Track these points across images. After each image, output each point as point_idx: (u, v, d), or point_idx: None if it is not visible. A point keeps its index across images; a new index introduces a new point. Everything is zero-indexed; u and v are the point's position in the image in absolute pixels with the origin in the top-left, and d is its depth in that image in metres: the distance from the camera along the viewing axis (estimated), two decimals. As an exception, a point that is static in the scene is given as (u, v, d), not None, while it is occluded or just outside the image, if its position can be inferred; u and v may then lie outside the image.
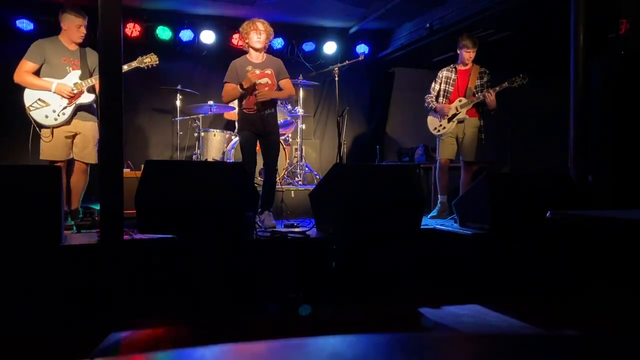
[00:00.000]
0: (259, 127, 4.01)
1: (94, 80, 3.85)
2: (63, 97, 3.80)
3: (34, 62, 3.83)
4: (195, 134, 5.67)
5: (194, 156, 5.66)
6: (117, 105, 2.92)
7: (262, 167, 4.37)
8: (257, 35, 3.96)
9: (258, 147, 4.18)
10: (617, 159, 4.13)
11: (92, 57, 3.99)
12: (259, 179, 4.82)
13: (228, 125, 6.32)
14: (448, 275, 3.48)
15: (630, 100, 4.13)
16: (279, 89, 4.14)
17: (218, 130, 5.64)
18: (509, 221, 3.40)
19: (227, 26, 6.53)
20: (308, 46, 6.92)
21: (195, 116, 5.70)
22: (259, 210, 3.96)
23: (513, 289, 3.29)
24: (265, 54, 4.12)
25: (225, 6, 6.12)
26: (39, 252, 2.73)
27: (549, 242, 3.43)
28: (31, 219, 2.76)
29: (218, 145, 5.55)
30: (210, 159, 5.44)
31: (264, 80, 4.02)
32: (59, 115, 3.80)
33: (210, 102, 5.52)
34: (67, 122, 3.85)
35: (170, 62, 6.34)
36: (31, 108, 3.77)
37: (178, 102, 5.69)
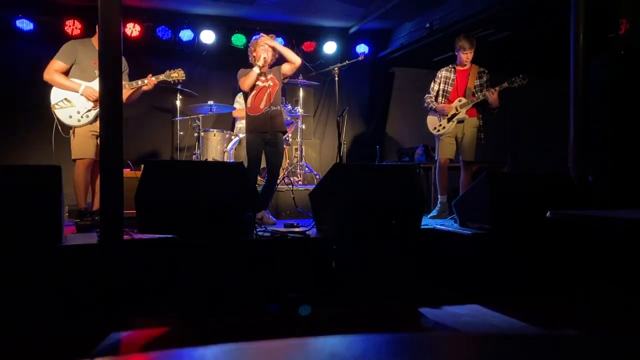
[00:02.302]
0: (267, 127, 4.23)
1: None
2: (89, 100, 3.88)
3: (64, 62, 3.92)
4: (195, 134, 5.66)
5: (194, 156, 5.66)
6: (117, 106, 2.92)
7: (262, 167, 4.48)
8: (264, 48, 4.24)
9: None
10: (617, 159, 4.13)
11: (123, 61, 4.05)
12: (259, 179, 4.84)
13: (234, 125, 6.30)
14: (448, 275, 3.48)
15: (630, 100, 4.13)
16: (283, 77, 4.43)
17: (218, 130, 5.64)
18: (509, 221, 3.40)
19: (227, 26, 6.54)
20: (308, 46, 6.92)
21: (195, 116, 5.70)
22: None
23: (513, 289, 3.29)
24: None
25: (225, 6, 6.12)
26: (39, 252, 2.73)
27: (549, 242, 3.43)
28: (31, 219, 2.76)
29: (218, 145, 5.56)
30: (210, 159, 5.44)
31: (267, 84, 4.29)
32: (82, 117, 3.89)
33: (210, 102, 5.52)
34: (90, 123, 3.92)
35: (170, 62, 6.33)
36: (56, 107, 3.86)
37: (178, 102, 5.69)
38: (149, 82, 4.13)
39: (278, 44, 4.34)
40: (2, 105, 5.74)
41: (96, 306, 2.73)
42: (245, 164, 4.06)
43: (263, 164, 4.48)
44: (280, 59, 4.42)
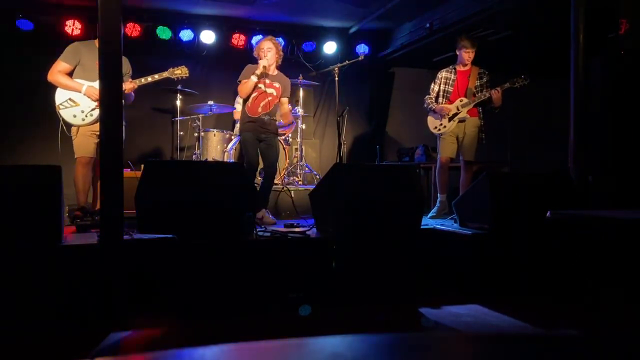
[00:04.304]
0: (260, 130, 4.31)
1: (123, 86, 4.04)
2: (92, 99, 3.94)
3: (68, 63, 3.97)
4: (195, 134, 5.66)
5: (194, 156, 5.66)
6: (117, 106, 2.92)
7: (262, 167, 4.50)
8: (263, 53, 4.31)
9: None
10: (617, 159, 4.13)
11: (125, 65, 4.13)
12: (258, 179, 4.85)
13: (234, 125, 6.30)
14: (448, 275, 3.48)
15: (630, 100, 4.13)
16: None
17: (218, 130, 5.64)
18: (509, 221, 3.40)
19: (227, 26, 6.53)
20: (308, 46, 6.91)
21: (195, 116, 5.70)
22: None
23: (513, 289, 3.29)
24: (277, 70, 4.47)
25: (225, 6, 6.12)
26: (39, 252, 2.73)
27: (549, 242, 3.43)
28: (31, 219, 2.76)
29: (218, 145, 5.56)
30: (210, 159, 5.44)
31: (269, 91, 4.35)
32: (86, 116, 3.95)
33: (210, 102, 5.52)
34: (93, 122, 3.97)
35: (170, 62, 6.32)
36: (61, 107, 3.93)
37: (178, 102, 5.69)
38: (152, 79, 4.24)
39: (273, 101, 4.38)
40: (3, 106, 5.74)
41: (96, 306, 2.73)
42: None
43: (262, 165, 4.51)
44: (284, 65, 4.55)
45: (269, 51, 4.29)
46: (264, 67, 4.22)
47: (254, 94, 4.30)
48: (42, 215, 2.79)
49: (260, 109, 4.30)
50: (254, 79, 4.21)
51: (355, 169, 3.89)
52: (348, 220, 3.39)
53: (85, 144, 3.96)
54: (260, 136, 4.31)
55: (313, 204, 3.80)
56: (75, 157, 3.98)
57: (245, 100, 4.36)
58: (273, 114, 4.39)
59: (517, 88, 4.49)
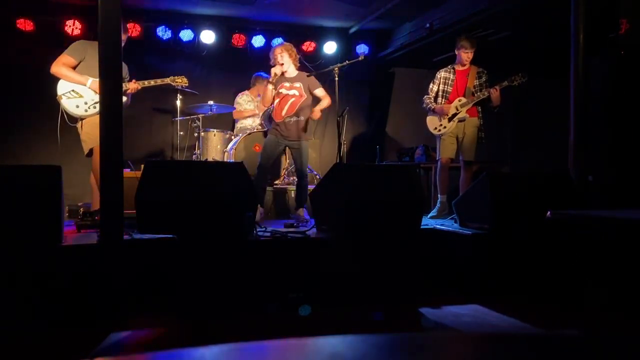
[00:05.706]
0: (283, 135, 4.47)
1: (126, 86, 4.12)
2: (96, 93, 3.91)
3: (73, 57, 3.98)
4: (195, 134, 5.66)
5: (194, 156, 5.67)
6: (117, 106, 2.92)
7: (283, 168, 4.82)
8: (279, 58, 4.43)
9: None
10: (617, 159, 4.13)
11: (123, 70, 4.12)
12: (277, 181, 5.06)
13: (234, 125, 6.30)
14: (448, 275, 3.48)
15: (630, 100, 4.13)
16: (316, 99, 4.59)
17: (218, 130, 5.65)
18: (509, 221, 3.40)
19: (227, 26, 6.53)
20: (308, 46, 6.91)
21: (195, 116, 5.70)
22: None
23: (513, 289, 3.29)
24: (298, 71, 4.59)
25: (225, 6, 6.12)
26: (39, 252, 2.73)
27: (549, 242, 3.43)
28: (31, 219, 2.76)
29: (218, 145, 5.56)
30: (210, 159, 5.44)
31: (292, 92, 4.49)
32: (89, 108, 3.95)
33: (210, 102, 5.52)
34: (96, 114, 3.93)
35: (170, 62, 6.35)
36: (63, 97, 3.92)
37: (178, 102, 5.69)
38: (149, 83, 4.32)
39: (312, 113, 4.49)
40: (2, 106, 5.74)
41: (96, 306, 2.73)
42: (246, 163, 4.10)
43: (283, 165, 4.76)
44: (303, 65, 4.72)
45: (281, 57, 4.41)
46: (275, 74, 4.36)
47: (277, 100, 4.46)
48: (42, 215, 2.79)
49: (284, 113, 4.44)
50: (269, 87, 4.38)
51: (355, 169, 3.89)
52: (348, 220, 3.39)
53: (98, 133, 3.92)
54: (284, 141, 4.45)
55: (313, 204, 3.80)
56: (89, 149, 3.91)
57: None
58: (300, 114, 4.45)
59: (515, 86, 4.48)
